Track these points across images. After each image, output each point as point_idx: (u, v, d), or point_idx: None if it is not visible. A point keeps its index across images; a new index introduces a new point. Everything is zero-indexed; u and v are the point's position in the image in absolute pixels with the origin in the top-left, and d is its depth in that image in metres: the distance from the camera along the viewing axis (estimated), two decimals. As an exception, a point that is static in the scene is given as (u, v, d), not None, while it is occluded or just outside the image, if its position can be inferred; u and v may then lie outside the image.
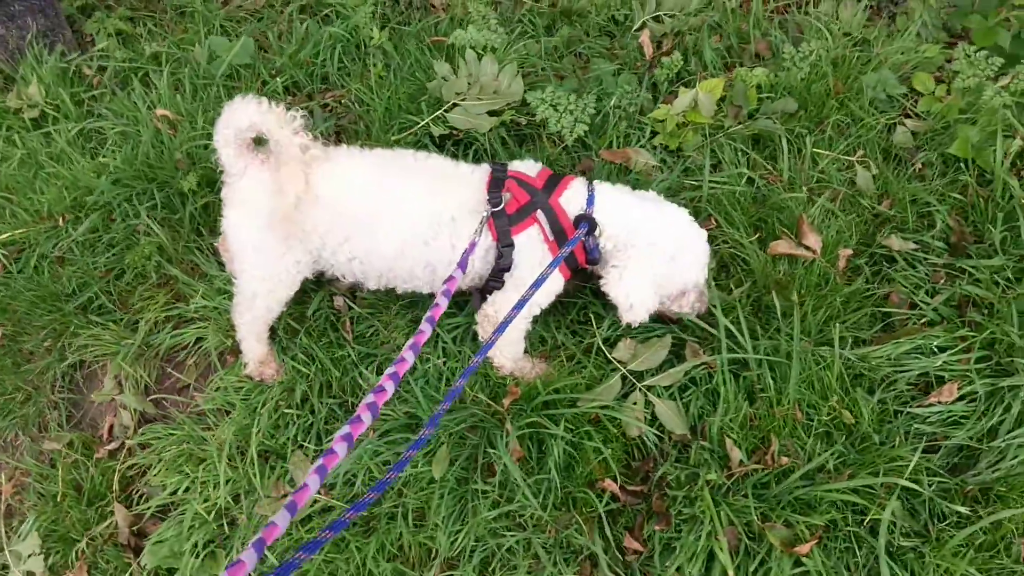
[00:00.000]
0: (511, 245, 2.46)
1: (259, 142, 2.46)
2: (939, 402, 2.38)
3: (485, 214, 2.42)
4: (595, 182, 2.58)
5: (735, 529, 2.24)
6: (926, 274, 2.76)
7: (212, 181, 3.19)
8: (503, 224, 2.44)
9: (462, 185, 2.49)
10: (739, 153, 3.13)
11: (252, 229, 2.49)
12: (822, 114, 3.23)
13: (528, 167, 2.59)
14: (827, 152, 3.13)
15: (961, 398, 2.43)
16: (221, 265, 3.02)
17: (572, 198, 2.51)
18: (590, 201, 2.50)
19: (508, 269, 2.50)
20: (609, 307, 2.60)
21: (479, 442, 2.49)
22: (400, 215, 2.44)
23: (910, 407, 2.44)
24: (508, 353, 2.64)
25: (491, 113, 3.24)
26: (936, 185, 3.02)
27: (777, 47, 3.50)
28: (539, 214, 2.47)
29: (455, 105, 3.25)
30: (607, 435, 2.47)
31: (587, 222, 2.45)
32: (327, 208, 2.43)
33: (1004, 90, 3.11)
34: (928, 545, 2.19)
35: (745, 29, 3.57)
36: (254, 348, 2.73)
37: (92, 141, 3.58)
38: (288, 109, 2.34)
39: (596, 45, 3.68)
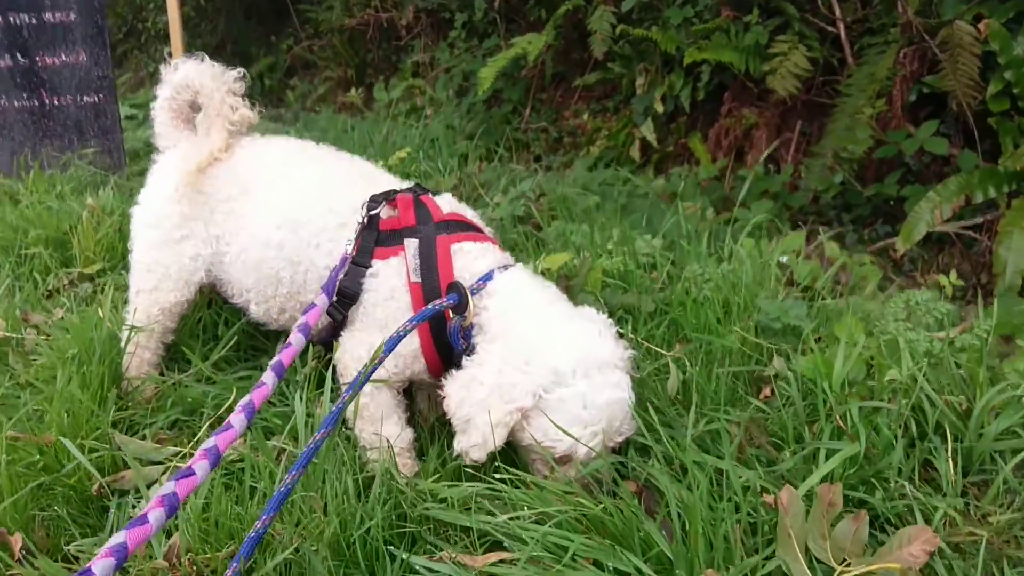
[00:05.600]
0: (366, 266, 1.94)
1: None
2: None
3: (359, 221, 1.98)
4: (519, 265, 2.00)
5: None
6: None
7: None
8: (369, 239, 1.95)
9: (367, 188, 2.06)
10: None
11: (155, 203, 2.22)
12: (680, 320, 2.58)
13: (443, 200, 2.09)
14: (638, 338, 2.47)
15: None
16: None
17: (471, 255, 1.93)
18: (487, 277, 1.89)
19: (353, 297, 1.96)
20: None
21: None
22: (290, 198, 2.11)
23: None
24: (366, 435, 1.95)
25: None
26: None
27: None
28: (408, 243, 1.92)
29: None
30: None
31: (457, 294, 1.83)
32: (231, 183, 2.17)
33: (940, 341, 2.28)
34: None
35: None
36: (136, 355, 2.28)
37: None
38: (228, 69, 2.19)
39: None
